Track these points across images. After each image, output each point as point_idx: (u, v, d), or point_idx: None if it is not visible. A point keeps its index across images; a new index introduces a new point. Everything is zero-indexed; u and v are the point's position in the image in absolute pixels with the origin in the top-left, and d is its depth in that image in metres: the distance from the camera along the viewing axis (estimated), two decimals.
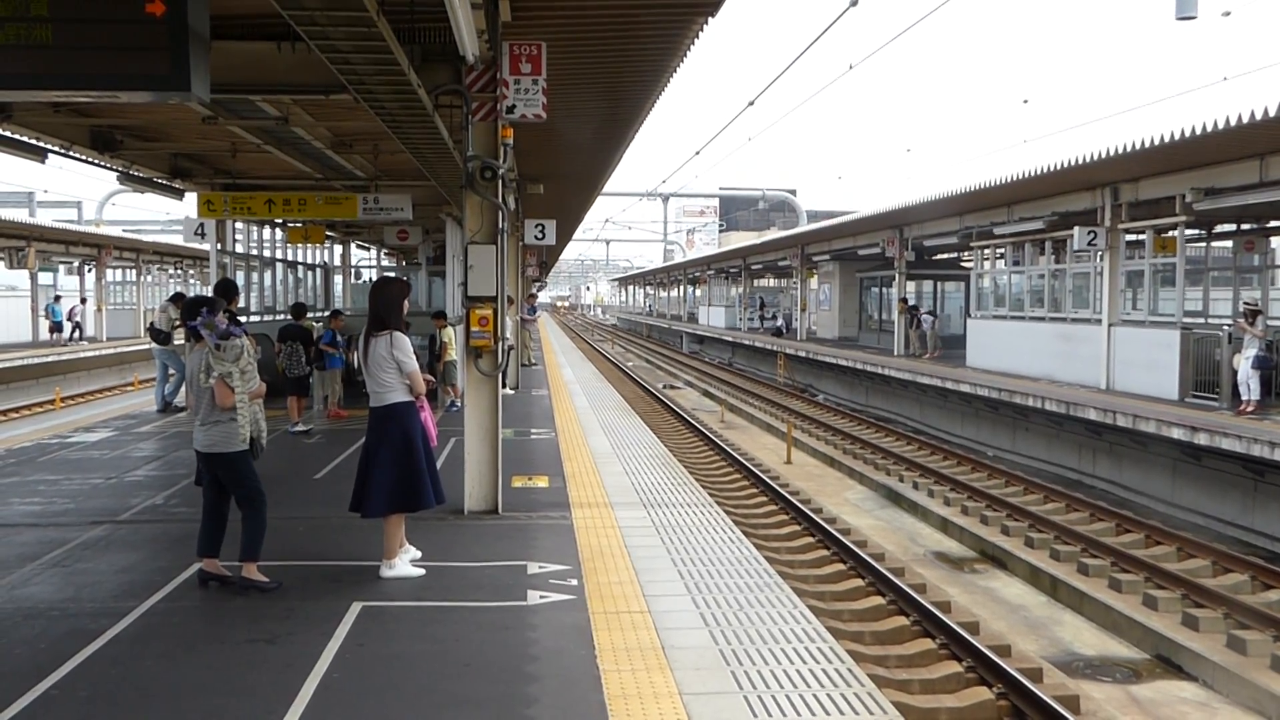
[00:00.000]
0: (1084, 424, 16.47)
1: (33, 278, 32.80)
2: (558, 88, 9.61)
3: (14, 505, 8.81)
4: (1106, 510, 13.64)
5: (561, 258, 72.77)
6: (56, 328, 32.60)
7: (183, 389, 15.00)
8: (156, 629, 5.68)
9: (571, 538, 7.70)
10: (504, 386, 9.17)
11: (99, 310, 34.87)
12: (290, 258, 22.62)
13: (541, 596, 6.21)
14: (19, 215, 35.22)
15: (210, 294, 11.08)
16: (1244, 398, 14.61)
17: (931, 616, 9.13)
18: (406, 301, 6.91)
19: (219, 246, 16.15)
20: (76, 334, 33.96)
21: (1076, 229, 18.48)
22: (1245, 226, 19.59)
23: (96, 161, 12.72)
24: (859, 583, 10.58)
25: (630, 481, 10.10)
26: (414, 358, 6.70)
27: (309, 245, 22.54)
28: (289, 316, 14.89)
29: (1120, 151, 14.75)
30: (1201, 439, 13.38)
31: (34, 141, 11.21)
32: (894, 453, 18.60)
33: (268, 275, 20.70)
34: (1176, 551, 11.81)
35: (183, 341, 15.40)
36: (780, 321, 42.07)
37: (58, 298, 34.54)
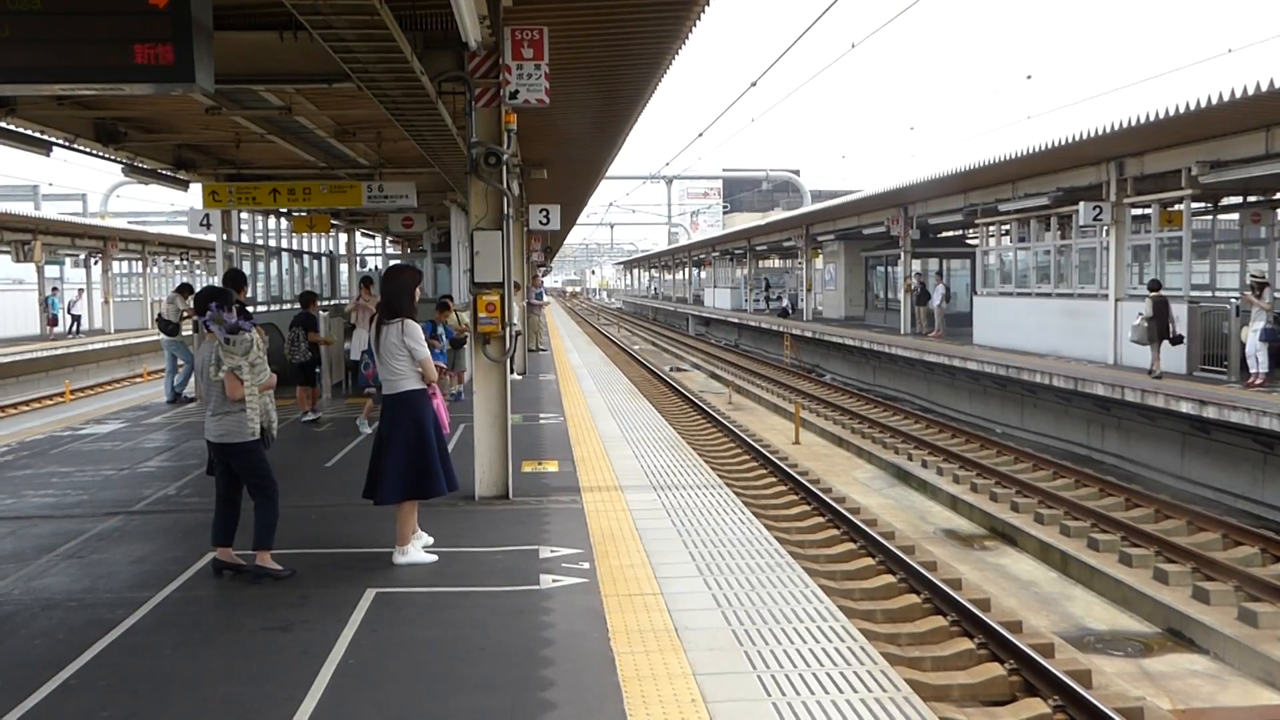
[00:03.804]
0: (1092, 399, 16.46)
1: (39, 271, 32.85)
2: (560, 73, 9.59)
3: (28, 498, 8.87)
4: (1116, 485, 13.65)
5: (566, 242, 72.66)
6: (54, 321, 32.59)
7: (192, 379, 15.05)
8: (173, 618, 5.72)
9: (582, 522, 7.73)
10: (512, 372, 9.18)
11: (105, 302, 34.92)
12: (295, 247, 22.64)
13: (554, 580, 6.24)
14: (25, 209, 35.33)
15: (218, 284, 11.10)
16: (1252, 370, 14.59)
17: (942, 594, 9.16)
18: (418, 289, 6.94)
19: (224, 237, 16.17)
20: (75, 328, 33.99)
21: (1082, 204, 18.43)
22: (1252, 199, 19.49)
23: (101, 154, 12.73)
24: (869, 561, 10.61)
25: (640, 465, 10.13)
26: (426, 345, 6.73)
27: (314, 234, 22.53)
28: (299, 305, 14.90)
29: (1125, 126, 14.68)
30: (1210, 412, 13.37)
31: (39, 135, 11.24)
32: (902, 431, 18.62)
33: (273, 265, 20.71)
34: (1186, 525, 11.81)
35: (191, 332, 15.48)
36: (786, 302, 42.02)
37: (56, 289, 34.49)
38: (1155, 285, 16.05)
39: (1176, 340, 15.78)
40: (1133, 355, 17.48)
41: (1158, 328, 15.74)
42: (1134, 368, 17.08)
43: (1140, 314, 16.12)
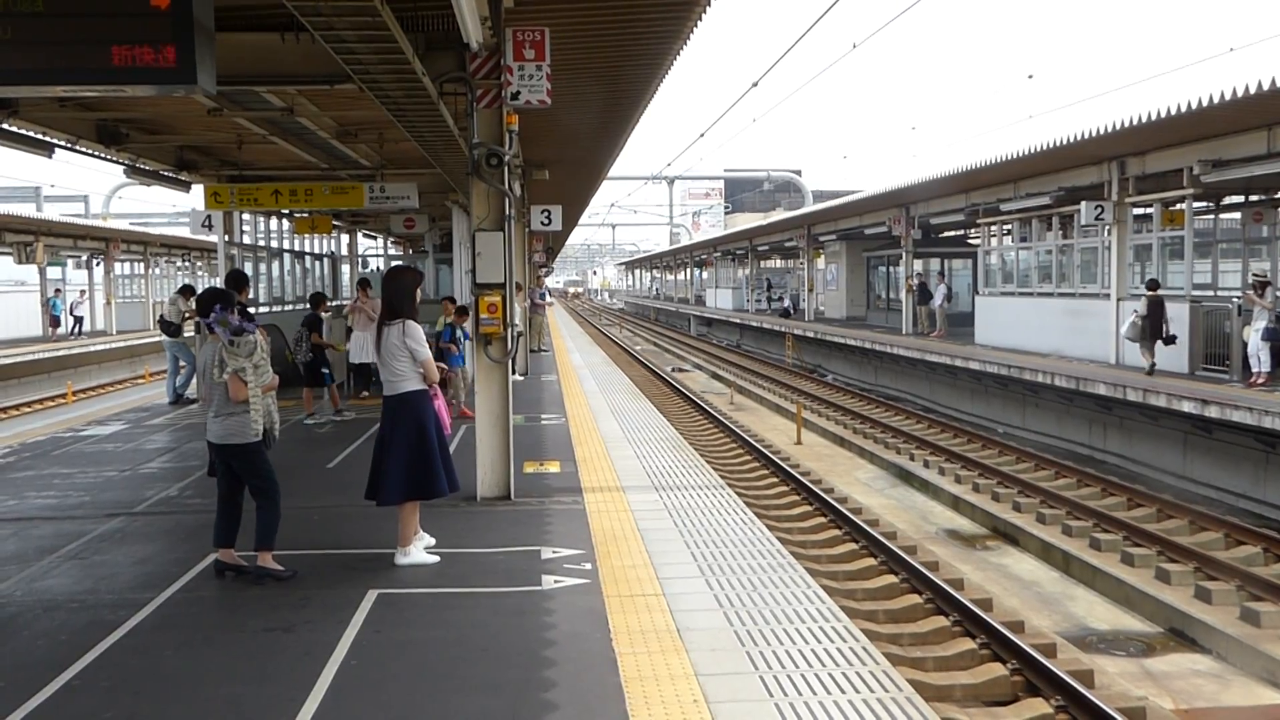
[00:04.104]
0: (1094, 399, 16.45)
1: (41, 272, 32.89)
2: (561, 74, 9.60)
3: (30, 499, 8.88)
4: (1118, 485, 13.64)
5: (567, 242, 72.66)
6: (56, 322, 32.62)
7: (194, 381, 15.07)
8: (175, 619, 5.73)
9: (584, 522, 7.73)
10: (513, 373, 9.19)
11: (108, 304, 34.92)
12: (297, 248, 22.64)
13: (556, 581, 6.24)
14: (27, 210, 35.37)
15: (220, 285, 11.12)
16: (1254, 370, 14.58)
17: (944, 594, 9.16)
18: (420, 291, 6.94)
19: (226, 238, 16.18)
20: (77, 329, 34.02)
21: (1083, 204, 18.42)
22: (1254, 198, 19.49)
23: (103, 155, 12.74)
24: (871, 561, 10.60)
25: (641, 465, 10.13)
26: (426, 346, 6.73)
27: (316, 235, 22.53)
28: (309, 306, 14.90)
29: (1126, 125, 14.68)
30: (1212, 412, 13.36)
31: (41, 136, 11.25)
32: (904, 431, 18.60)
33: (275, 266, 20.72)
34: (1189, 525, 11.81)
35: (193, 334, 15.50)
36: (787, 302, 41.99)
37: (57, 290, 34.52)
38: (1153, 285, 16.13)
39: (1169, 340, 15.83)
40: (1134, 355, 17.45)
41: (1151, 327, 15.82)
42: (1135, 367, 17.06)
43: (1135, 311, 16.19)
